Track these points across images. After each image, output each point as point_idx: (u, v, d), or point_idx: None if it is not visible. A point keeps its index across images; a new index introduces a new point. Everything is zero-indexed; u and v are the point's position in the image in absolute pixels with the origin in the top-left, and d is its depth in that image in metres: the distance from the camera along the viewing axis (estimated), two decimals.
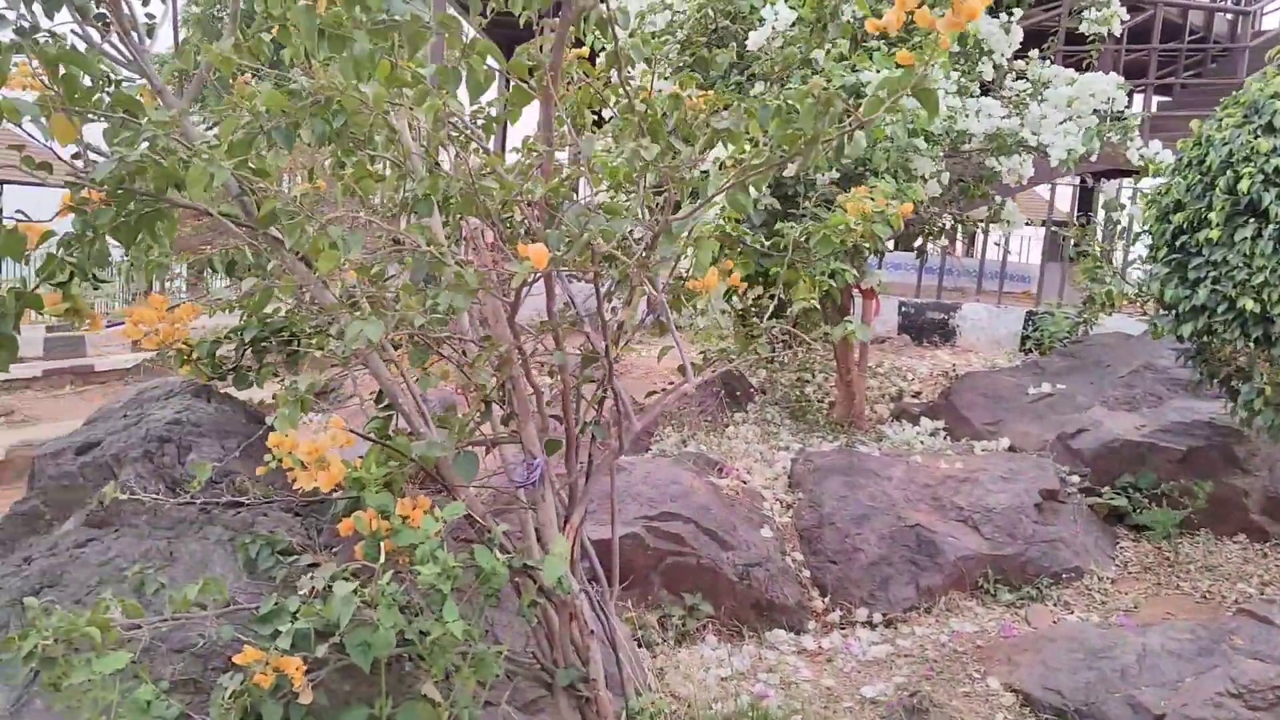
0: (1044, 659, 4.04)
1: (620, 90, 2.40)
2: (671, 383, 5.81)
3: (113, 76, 2.41)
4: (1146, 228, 5.19)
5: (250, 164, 2.30)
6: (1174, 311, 4.91)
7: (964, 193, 6.35)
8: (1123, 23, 7.11)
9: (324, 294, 2.60)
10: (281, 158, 2.30)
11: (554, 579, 2.48)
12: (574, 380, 2.90)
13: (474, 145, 2.79)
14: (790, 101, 2.26)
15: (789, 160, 2.31)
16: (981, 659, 4.27)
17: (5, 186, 15.10)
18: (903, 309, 10.37)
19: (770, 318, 3.17)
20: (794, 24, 5.49)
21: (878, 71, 5.00)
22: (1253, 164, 4.34)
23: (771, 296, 3.14)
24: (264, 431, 3.26)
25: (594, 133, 2.95)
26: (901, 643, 4.46)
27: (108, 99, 2.33)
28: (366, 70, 2.11)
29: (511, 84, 2.55)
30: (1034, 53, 6.42)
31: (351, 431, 2.41)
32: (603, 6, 2.34)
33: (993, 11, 5.71)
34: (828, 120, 2.19)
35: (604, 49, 2.44)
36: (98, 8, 2.47)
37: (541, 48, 2.46)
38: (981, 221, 7.18)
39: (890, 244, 6.86)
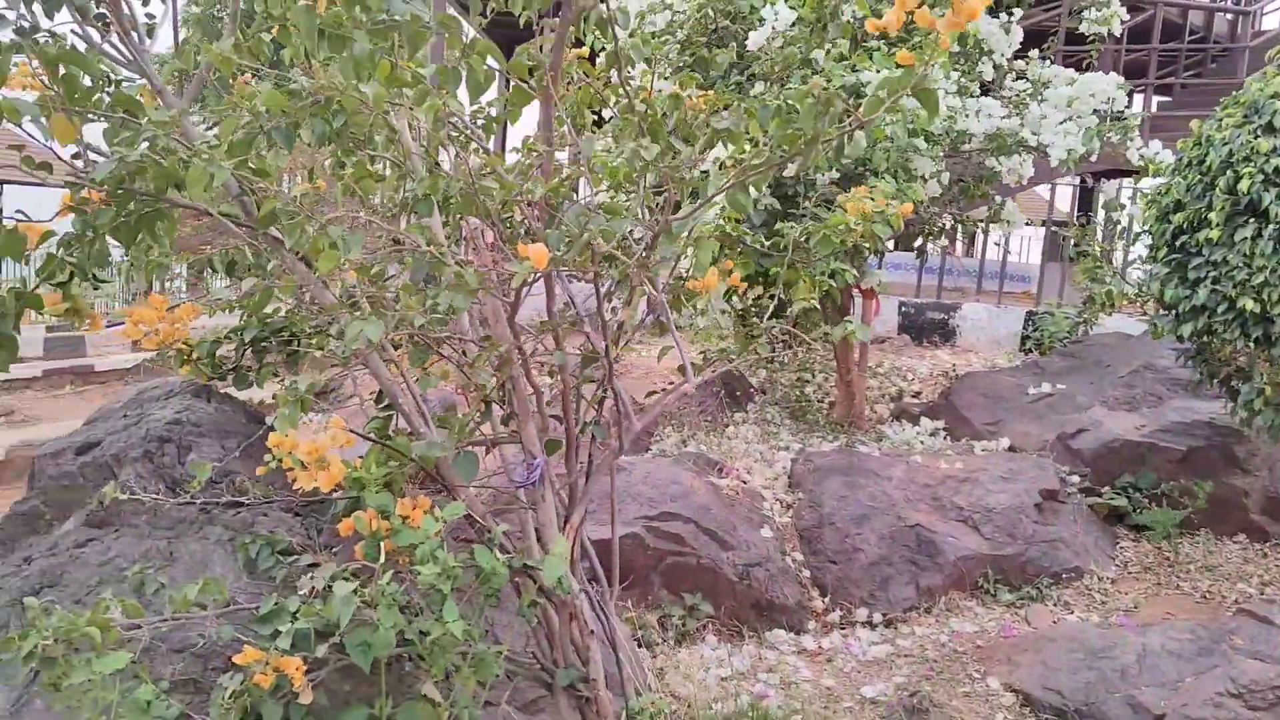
0: (1044, 659, 4.04)
1: (620, 90, 2.40)
2: (671, 383, 5.81)
3: (113, 76, 2.41)
4: (1146, 228, 5.19)
5: (250, 164, 2.30)
6: (1174, 311, 4.91)
7: (964, 193, 6.35)
8: (1123, 23, 7.11)
9: (324, 294, 2.60)
10: (281, 158, 2.30)
11: (554, 579, 2.48)
12: (574, 380, 2.90)
13: (474, 145, 2.79)
14: (790, 101, 2.26)
15: (789, 160, 2.31)
16: (981, 659, 4.27)
17: (5, 186, 15.09)
18: (903, 309, 10.37)
19: (770, 318, 3.17)
20: (794, 24, 5.49)
21: (878, 71, 5.00)
22: (1253, 164, 4.34)
23: (771, 296, 3.14)
24: (264, 431, 3.26)
25: (594, 133, 2.95)
26: (901, 643, 4.46)
27: (108, 99, 2.33)
28: (366, 70, 2.11)
29: (511, 84, 2.55)
30: (1034, 53, 6.42)
31: (351, 431, 2.41)
32: (603, 6, 2.34)
33: (993, 11, 5.71)
34: (828, 120, 2.19)
35: (604, 49, 2.44)
36: (98, 8, 2.47)
37: (541, 48, 2.46)
38: (981, 221, 7.18)
39: (890, 244, 6.86)
